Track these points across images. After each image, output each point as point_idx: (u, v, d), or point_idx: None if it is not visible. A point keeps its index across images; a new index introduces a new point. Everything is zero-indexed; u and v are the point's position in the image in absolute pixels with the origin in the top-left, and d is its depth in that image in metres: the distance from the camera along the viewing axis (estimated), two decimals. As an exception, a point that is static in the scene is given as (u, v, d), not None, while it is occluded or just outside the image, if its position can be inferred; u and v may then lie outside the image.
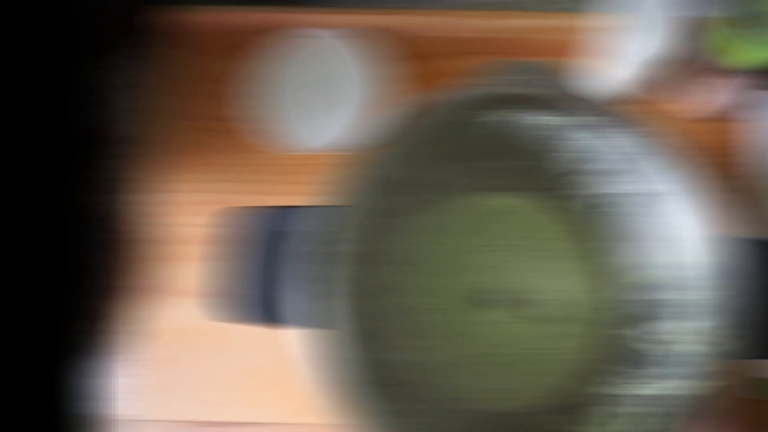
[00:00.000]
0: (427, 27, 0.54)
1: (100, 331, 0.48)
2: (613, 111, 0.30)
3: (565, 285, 0.40)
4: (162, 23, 0.55)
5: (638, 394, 0.29)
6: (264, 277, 0.29)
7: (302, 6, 0.56)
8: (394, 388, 0.34)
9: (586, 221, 0.39)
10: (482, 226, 0.42)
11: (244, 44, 0.55)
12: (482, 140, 0.35)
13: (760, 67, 0.47)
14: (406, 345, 0.39)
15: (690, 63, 0.47)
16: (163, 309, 0.49)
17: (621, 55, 0.44)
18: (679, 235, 0.30)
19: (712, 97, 0.48)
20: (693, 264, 0.28)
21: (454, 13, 0.54)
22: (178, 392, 0.47)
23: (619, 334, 0.35)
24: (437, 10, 0.54)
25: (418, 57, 0.54)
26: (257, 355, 0.37)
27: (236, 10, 0.54)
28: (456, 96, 0.31)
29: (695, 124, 0.52)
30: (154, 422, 0.47)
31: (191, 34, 0.55)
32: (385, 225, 0.39)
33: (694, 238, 0.28)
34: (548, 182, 0.39)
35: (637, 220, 0.34)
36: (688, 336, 0.28)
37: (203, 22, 0.55)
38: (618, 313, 0.36)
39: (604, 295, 0.39)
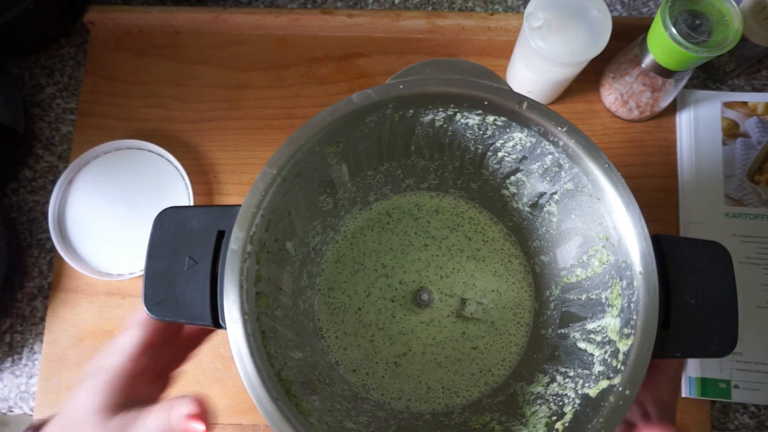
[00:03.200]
0: (362, 27, 0.54)
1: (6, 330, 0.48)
2: (547, 111, 0.30)
3: (506, 285, 0.40)
4: (75, 22, 0.55)
5: (579, 393, 0.29)
6: (198, 275, 0.28)
7: (214, 5, 0.56)
8: (328, 389, 0.34)
9: (525, 221, 0.39)
10: (423, 226, 0.42)
11: (154, 44, 0.55)
12: (419, 139, 0.35)
13: (695, 67, 0.47)
14: (343, 344, 0.39)
15: (629, 64, 0.48)
16: (74, 308, 0.49)
17: (558, 54, 0.44)
18: (611, 234, 0.30)
19: (651, 97, 0.49)
20: (625, 262, 0.29)
21: (390, 14, 0.54)
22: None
23: (557, 333, 0.35)
24: (376, 10, 0.55)
25: (348, 57, 0.53)
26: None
27: (150, 10, 0.54)
28: (387, 94, 0.30)
29: (633, 124, 0.53)
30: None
31: (104, 32, 0.55)
32: (322, 223, 0.38)
33: (626, 236, 0.28)
34: (488, 182, 0.39)
35: (571, 220, 0.34)
36: (620, 333, 0.28)
37: (116, 21, 0.55)
38: (555, 313, 0.36)
39: (543, 294, 0.39)
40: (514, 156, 0.34)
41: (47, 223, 0.50)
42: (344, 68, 0.54)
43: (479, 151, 0.36)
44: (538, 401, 0.32)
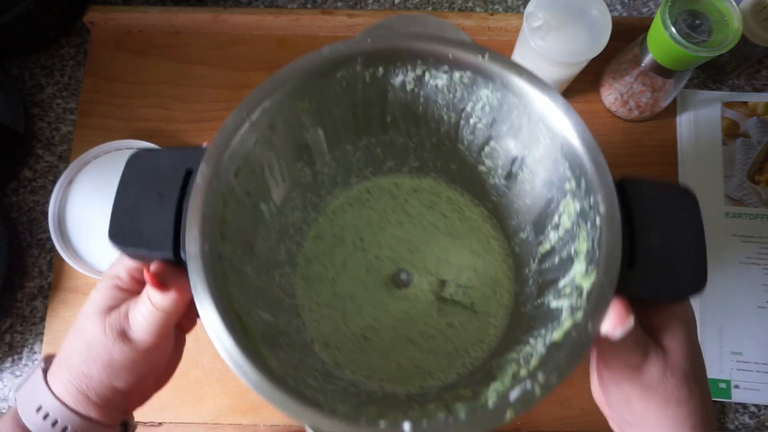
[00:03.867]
0: (362, 27, 0.54)
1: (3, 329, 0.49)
2: (508, 61, 0.30)
3: (486, 266, 0.40)
4: (76, 22, 0.55)
5: (547, 343, 0.29)
6: (173, 212, 0.28)
7: (214, 5, 0.56)
8: (297, 356, 0.33)
9: (503, 198, 0.39)
10: (403, 204, 0.41)
11: (156, 44, 0.55)
12: (393, 107, 0.35)
13: (694, 67, 0.47)
14: (315, 316, 0.39)
15: (629, 64, 0.48)
16: (74, 308, 0.49)
17: (558, 54, 0.44)
18: (574, 181, 0.30)
19: (651, 97, 0.49)
20: (589, 204, 0.28)
21: (390, 14, 0.54)
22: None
23: (534, 305, 0.35)
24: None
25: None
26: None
27: (150, 10, 0.54)
28: (356, 47, 0.30)
29: (633, 124, 0.53)
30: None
31: (104, 32, 0.55)
32: (302, 198, 0.38)
33: (590, 177, 0.28)
34: (465, 160, 0.38)
35: (541, 180, 0.34)
36: (584, 274, 0.28)
37: (116, 22, 0.55)
38: (534, 288, 0.36)
39: (522, 273, 0.38)
40: (484, 120, 0.34)
41: (47, 223, 0.50)
42: (344, 68, 0.54)
43: (452, 119, 0.36)
44: (511, 363, 0.32)
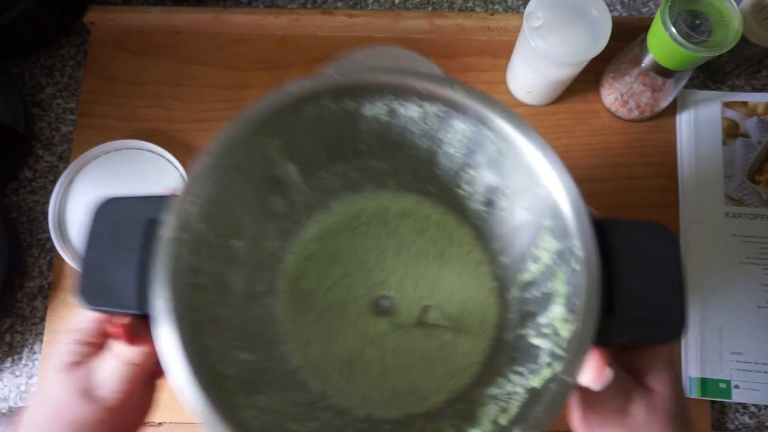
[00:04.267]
0: (362, 27, 0.54)
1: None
2: (480, 95, 0.30)
3: (467, 288, 0.39)
4: (77, 22, 0.55)
5: (526, 387, 0.28)
6: (139, 266, 0.28)
7: (214, 5, 0.56)
8: (280, 393, 0.33)
9: (484, 223, 0.38)
10: (387, 229, 0.41)
11: (157, 44, 0.55)
12: (367, 136, 0.34)
13: (694, 67, 0.47)
14: (302, 342, 0.38)
15: (629, 64, 0.48)
16: (74, 308, 0.49)
17: (558, 54, 0.44)
18: (553, 219, 0.29)
19: (651, 97, 0.49)
20: (567, 247, 0.28)
21: (390, 14, 0.54)
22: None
23: (515, 334, 0.34)
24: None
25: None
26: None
27: (150, 10, 0.54)
28: (320, 83, 0.30)
29: (633, 124, 0.53)
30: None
31: (104, 32, 0.56)
32: (278, 227, 0.37)
33: (567, 219, 0.28)
34: (444, 184, 0.38)
35: (520, 212, 0.33)
36: (563, 320, 0.27)
37: (116, 22, 0.55)
38: (516, 315, 0.36)
39: (505, 297, 0.38)
40: (460, 149, 0.34)
41: (47, 223, 0.50)
42: (344, 68, 0.54)
43: (427, 147, 0.35)
44: (491, 402, 0.31)
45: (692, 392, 0.47)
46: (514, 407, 0.28)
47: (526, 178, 0.30)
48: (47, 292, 0.50)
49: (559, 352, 0.26)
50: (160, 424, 0.47)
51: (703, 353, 0.48)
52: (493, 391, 0.32)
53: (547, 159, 0.28)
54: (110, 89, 0.54)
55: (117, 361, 0.28)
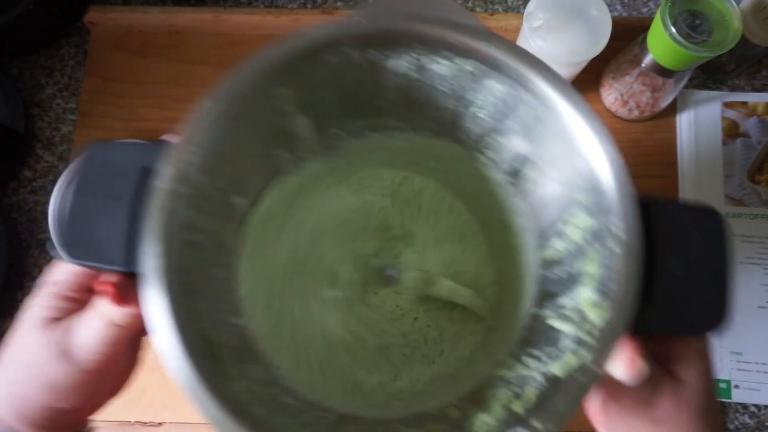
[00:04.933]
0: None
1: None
2: (519, 50, 0.26)
3: (477, 263, 0.37)
4: (76, 22, 0.55)
5: (545, 374, 0.26)
6: (130, 219, 0.25)
7: (214, 5, 0.56)
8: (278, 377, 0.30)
9: (502, 199, 0.36)
10: (396, 200, 0.38)
11: (156, 44, 0.55)
12: (394, 93, 0.31)
13: (694, 67, 0.47)
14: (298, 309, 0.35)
15: (629, 64, 0.48)
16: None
17: (558, 54, 0.44)
18: (590, 193, 0.26)
19: (651, 97, 0.49)
20: (604, 224, 0.25)
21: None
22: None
23: (531, 313, 0.32)
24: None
25: None
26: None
27: (150, 10, 0.54)
28: (345, 28, 0.26)
29: (633, 124, 0.53)
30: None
31: (104, 32, 0.55)
32: (289, 189, 0.35)
33: (607, 193, 0.25)
34: (466, 144, 0.35)
35: (551, 185, 0.31)
36: (594, 306, 0.25)
37: (116, 22, 0.55)
38: (533, 293, 0.33)
39: (515, 272, 0.35)
40: (492, 113, 0.31)
41: (47, 223, 0.49)
42: (344, 68, 0.54)
43: (453, 107, 0.32)
44: (500, 383, 0.29)
45: (692, 392, 0.47)
46: (530, 395, 0.26)
47: (564, 148, 0.27)
48: (47, 292, 0.50)
49: (587, 339, 0.24)
50: (160, 424, 0.47)
51: (703, 353, 0.48)
52: (503, 372, 0.30)
53: (592, 128, 0.25)
54: (110, 89, 0.54)
55: (100, 321, 0.25)
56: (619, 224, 0.24)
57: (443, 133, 0.35)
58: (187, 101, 0.58)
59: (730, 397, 0.47)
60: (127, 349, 0.28)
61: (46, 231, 0.51)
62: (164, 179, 0.24)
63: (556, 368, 0.25)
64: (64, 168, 0.51)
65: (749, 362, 0.48)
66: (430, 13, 0.27)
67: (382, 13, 0.27)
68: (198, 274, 0.26)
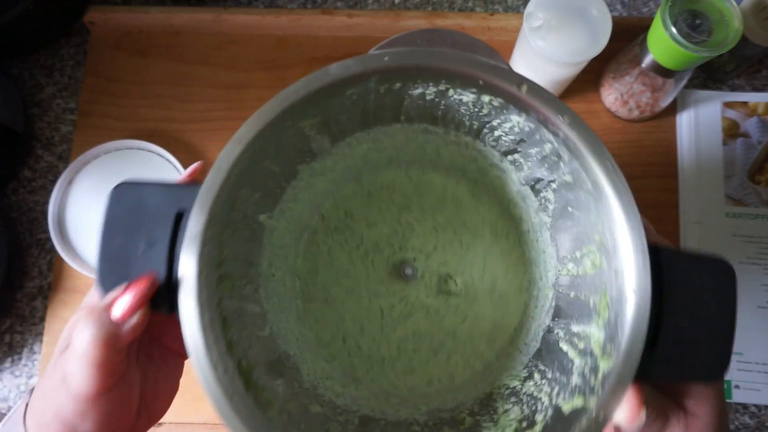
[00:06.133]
0: (362, 27, 0.55)
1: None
2: (548, 96, 0.27)
3: (493, 268, 0.38)
4: (77, 22, 0.55)
5: (553, 403, 0.27)
6: (154, 258, 0.26)
7: (214, 5, 0.56)
8: (296, 370, 0.32)
9: (519, 206, 0.37)
10: (417, 200, 0.39)
11: (157, 44, 0.55)
12: (409, 110, 0.32)
13: (695, 67, 0.47)
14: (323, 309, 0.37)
15: (629, 64, 0.48)
16: (74, 308, 0.50)
17: (558, 54, 0.44)
18: (607, 239, 0.27)
19: (651, 97, 0.49)
20: (617, 272, 0.26)
21: (390, 14, 0.54)
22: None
23: (541, 325, 0.33)
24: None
25: (349, 57, 0.54)
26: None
27: (150, 10, 0.54)
28: (369, 66, 0.27)
29: (633, 124, 0.53)
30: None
31: (104, 32, 0.56)
32: (317, 188, 0.36)
33: (622, 247, 0.25)
34: (483, 161, 0.36)
35: (567, 212, 0.32)
36: (602, 349, 0.26)
37: (116, 21, 0.55)
38: (541, 303, 0.34)
39: (529, 282, 0.36)
40: (511, 137, 0.32)
41: (47, 223, 0.50)
42: (344, 68, 0.54)
43: (474, 126, 0.33)
44: (512, 398, 0.30)
45: (692, 392, 0.47)
46: (538, 422, 0.27)
47: (582, 187, 0.28)
48: (47, 292, 0.50)
49: (594, 383, 0.25)
50: (160, 424, 0.47)
51: (703, 353, 0.48)
52: (514, 383, 0.31)
53: (611, 179, 0.26)
54: (110, 89, 0.54)
55: (78, 349, 0.24)
56: (632, 278, 0.25)
57: (467, 136, 0.36)
58: (187, 101, 0.58)
59: (730, 397, 0.47)
60: (132, 371, 0.27)
61: (46, 231, 0.51)
62: (197, 224, 0.25)
63: (564, 404, 0.26)
64: (64, 168, 0.51)
65: (749, 362, 0.48)
66: (456, 52, 0.28)
67: (407, 50, 0.28)
68: (228, 304, 0.27)
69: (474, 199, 0.40)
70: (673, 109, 0.53)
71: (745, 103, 0.53)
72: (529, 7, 0.45)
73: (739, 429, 0.48)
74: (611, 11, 0.49)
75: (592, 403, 0.24)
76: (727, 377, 0.47)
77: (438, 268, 0.38)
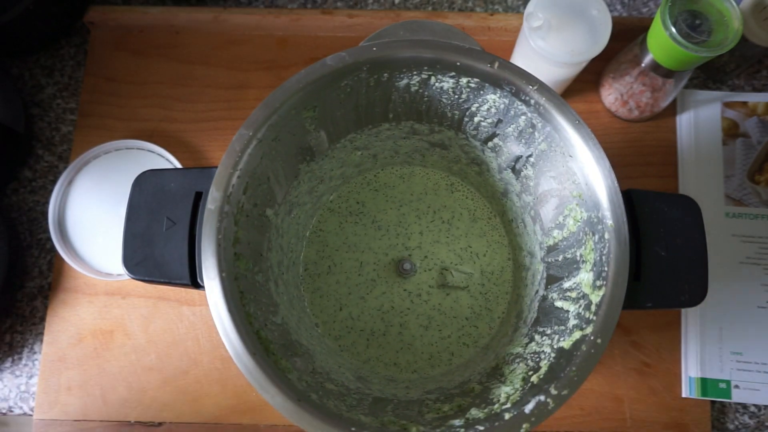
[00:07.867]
0: (362, 27, 0.54)
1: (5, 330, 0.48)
2: (518, 70, 0.31)
3: (488, 252, 0.41)
4: (77, 21, 0.55)
5: (555, 347, 0.30)
6: (176, 235, 0.29)
7: (214, 5, 0.56)
8: (310, 357, 0.34)
9: (502, 197, 0.40)
10: (413, 194, 0.43)
11: (160, 44, 0.55)
12: (396, 106, 0.36)
13: (694, 67, 0.47)
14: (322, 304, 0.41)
15: (629, 64, 0.48)
16: (74, 308, 0.49)
17: (558, 54, 0.44)
18: (584, 190, 0.30)
19: (651, 97, 0.49)
20: (597, 216, 0.29)
21: (390, 14, 0.54)
22: (91, 392, 0.47)
23: (536, 298, 0.36)
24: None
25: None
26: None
27: (150, 10, 0.54)
28: (361, 56, 0.31)
29: (633, 124, 0.53)
30: (65, 423, 0.47)
31: (104, 32, 0.55)
32: (310, 193, 0.39)
33: (598, 190, 0.29)
34: (470, 147, 0.39)
35: (547, 181, 0.34)
36: (592, 286, 0.29)
37: (116, 22, 0.55)
38: (536, 279, 0.37)
39: (524, 260, 0.39)
40: (489, 120, 0.35)
41: (47, 223, 0.50)
42: (344, 68, 0.54)
43: (456, 116, 0.36)
44: (517, 360, 0.33)
45: (692, 392, 0.47)
46: (545, 367, 0.29)
47: (557, 150, 0.31)
48: (47, 292, 0.50)
49: (589, 315, 0.28)
50: (160, 424, 0.47)
51: (703, 353, 0.48)
52: (517, 350, 0.34)
53: (580, 133, 0.30)
54: (110, 89, 0.54)
55: None
56: (608, 214, 0.28)
57: (450, 130, 0.39)
58: (187, 101, 0.58)
59: (730, 397, 0.47)
60: None
61: (46, 231, 0.51)
62: (213, 201, 0.28)
63: (564, 343, 0.29)
64: (64, 168, 0.51)
65: (749, 362, 0.48)
66: (435, 39, 0.32)
67: (392, 41, 0.31)
68: (244, 282, 0.29)
69: (459, 193, 0.43)
70: (673, 109, 0.53)
71: (744, 103, 0.53)
72: (529, 7, 0.45)
73: (739, 429, 0.48)
74: (611, 11, 0.49)
75: (589, 330, 0.28)
76: (727, 377, 0.47)
77: (433, 260, 0.41)
